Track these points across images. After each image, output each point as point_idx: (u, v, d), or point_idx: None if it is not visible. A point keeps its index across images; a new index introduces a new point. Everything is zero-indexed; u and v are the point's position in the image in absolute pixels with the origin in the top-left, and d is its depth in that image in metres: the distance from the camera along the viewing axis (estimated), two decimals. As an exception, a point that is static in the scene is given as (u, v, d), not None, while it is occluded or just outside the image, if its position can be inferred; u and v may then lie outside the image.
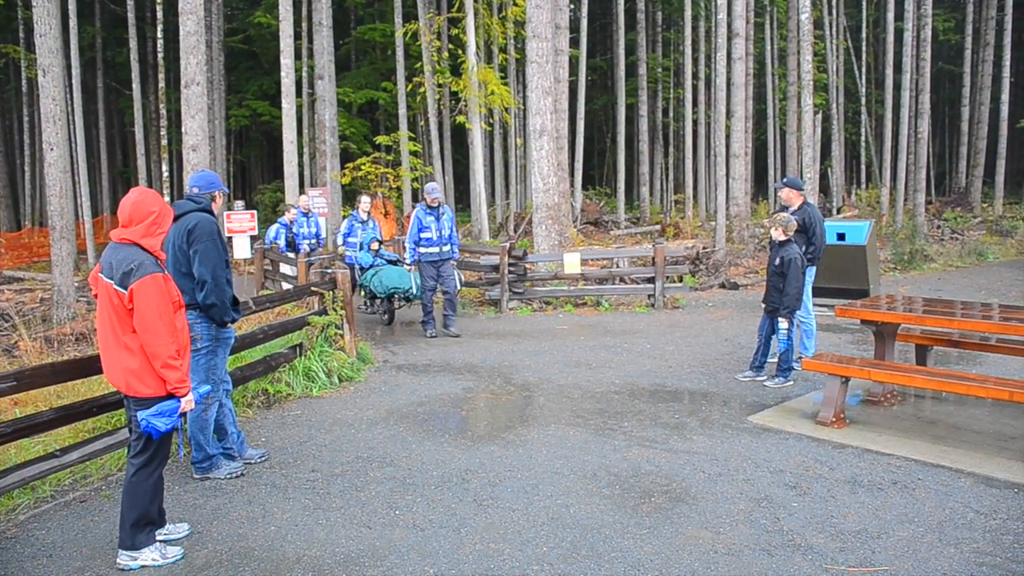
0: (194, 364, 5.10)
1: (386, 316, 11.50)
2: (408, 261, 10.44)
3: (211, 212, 5.11)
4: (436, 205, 10.25)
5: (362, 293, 11.64)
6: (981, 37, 32.51)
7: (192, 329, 4.96)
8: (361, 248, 11.85)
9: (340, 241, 12.58)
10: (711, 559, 3.97)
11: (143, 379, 3.88)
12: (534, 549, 4.12)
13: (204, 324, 5.01)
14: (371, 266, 11.33)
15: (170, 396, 3.94)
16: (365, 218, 12.44)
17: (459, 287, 10.90)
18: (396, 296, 10.90)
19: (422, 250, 10.26)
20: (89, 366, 4.89)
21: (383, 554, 4.10)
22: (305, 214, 14.31)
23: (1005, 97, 29.42)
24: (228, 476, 5.23)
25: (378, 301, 11.52)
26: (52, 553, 4.19)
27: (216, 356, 5.14)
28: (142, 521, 4.02)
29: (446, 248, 10.39)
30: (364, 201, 12.68)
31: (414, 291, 10.56)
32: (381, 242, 11.95)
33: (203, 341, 5.04)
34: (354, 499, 4.86)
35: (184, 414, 4.04)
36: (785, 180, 7.92)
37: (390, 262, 11.52)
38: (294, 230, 13.97)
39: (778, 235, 7.24)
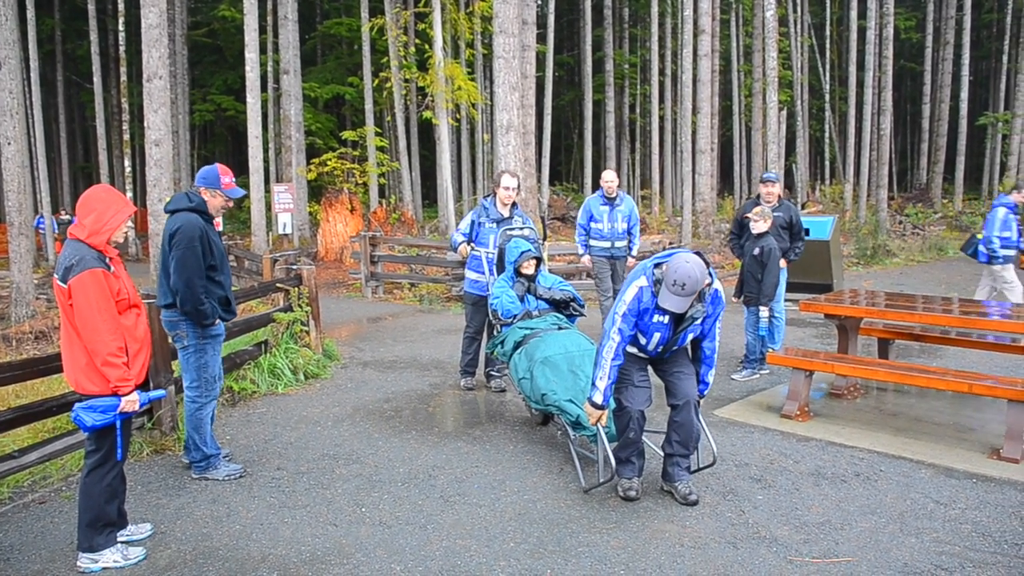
0: (184, 363, 5.02)
1: (538, 414, 6.08)
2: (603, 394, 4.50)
3: (203, 211, 4.95)
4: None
5: (494, 353, 6.31)
6: (941, 36, 33.10)
7: (177, 327, 4.90)
8: (500, 268, 6.54)
9: (454, 244, 7.34)
10: (677, 552, 4.00)
11: (90, 376, 3.80)
12: (501, 545, 4.12)
13: (188, 321, 4.92)
14: (513, 318, 6.03)
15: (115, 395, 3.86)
16: (507, 213, 6.99)
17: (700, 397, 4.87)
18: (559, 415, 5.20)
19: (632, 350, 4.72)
20: (48, 365, 4.79)
21: (349, 552, 4.07)
22: (610, 200, 8.73)
23: (965, 95, 30.00)
24: (227, 478, 5.14)
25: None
26: (9, 556, 4.10)
27: (206, 354, 5.04)
28: (98, 522, 3.94)
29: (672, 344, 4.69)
30: (507, 181, 6.91)
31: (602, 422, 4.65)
32: (540, 260, 6.34)
33: (189, 339, 4.95)
34: (320, 497, 4.82)
35: (127, 414, 3.94)
36: (775, 175, 8.03)
37: (558, 307, 6.14)
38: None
39: (764, 226, 7.30)
